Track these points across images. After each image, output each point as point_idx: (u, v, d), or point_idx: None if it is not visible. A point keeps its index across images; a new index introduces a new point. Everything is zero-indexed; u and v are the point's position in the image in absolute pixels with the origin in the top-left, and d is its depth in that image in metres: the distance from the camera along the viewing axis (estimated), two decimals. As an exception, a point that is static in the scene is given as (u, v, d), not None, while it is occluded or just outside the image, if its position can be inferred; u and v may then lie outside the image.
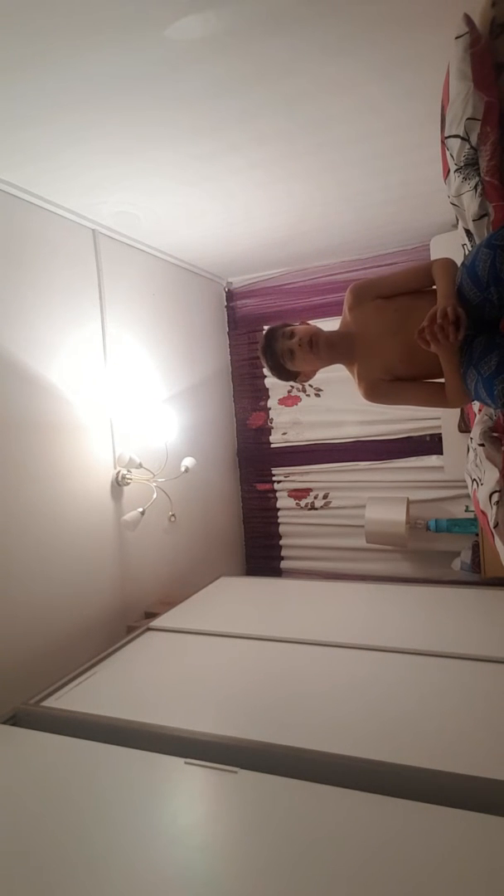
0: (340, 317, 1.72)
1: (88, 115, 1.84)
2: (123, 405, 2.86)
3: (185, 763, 1.40)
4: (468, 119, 1.40)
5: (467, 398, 1.55)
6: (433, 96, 1.66)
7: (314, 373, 1.74)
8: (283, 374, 1.72)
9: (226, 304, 3.98)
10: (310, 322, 1.73)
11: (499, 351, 1.37)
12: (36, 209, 2.41)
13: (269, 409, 3.95)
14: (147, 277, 3.15)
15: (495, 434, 1.78)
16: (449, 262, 1.52)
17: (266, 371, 1.73)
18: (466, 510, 3.32)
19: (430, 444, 3.46)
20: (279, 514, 3.96)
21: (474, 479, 1.82)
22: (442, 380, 1.57)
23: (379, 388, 1.65)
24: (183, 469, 3.04)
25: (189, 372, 3.50)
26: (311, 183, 2.50)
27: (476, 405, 1.93)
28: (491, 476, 1.66)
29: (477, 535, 3.16)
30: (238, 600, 2.74)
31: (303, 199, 2.66)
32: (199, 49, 1.58)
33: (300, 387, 3.83)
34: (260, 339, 1.72)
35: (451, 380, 1.52)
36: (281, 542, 3.97)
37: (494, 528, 1.64)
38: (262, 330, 3.84)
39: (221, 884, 1.08)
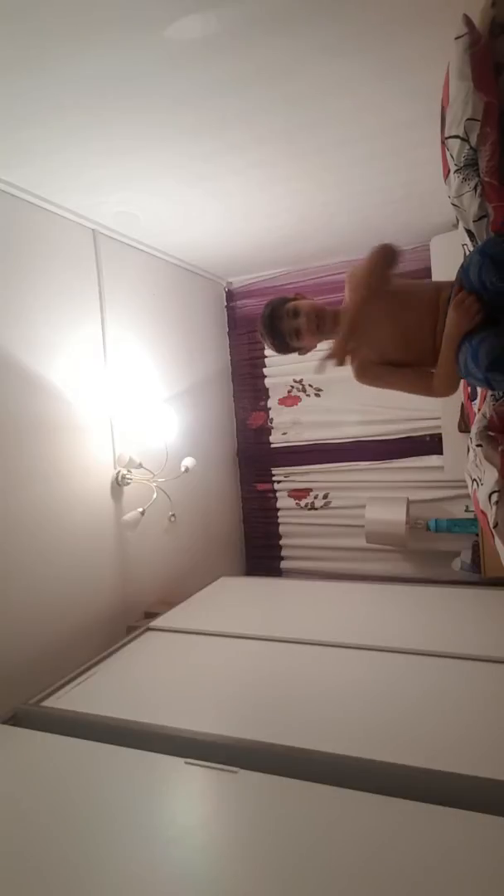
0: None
1: (88, 115, 1.84)
2: (123, 405, 2.86)
3: (185, 763, 1.40)
4: (468, 119, 1.40)
5: (454, 387, 1.55)
6: (433, 96, 1.66)
7: (316, 345, 1.73)
8: (287, 350, 1.72)
9: (226, 304, 3.98)
10: (306, 297, 1.73)
11: (494, 328, 1.38)
12: (36, 209, 2.41)
13: (269, 409, 3.95)
14: (147, 277, 3.15)
15: (491, 434, 1.78)
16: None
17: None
18: (466, 510, 3.32)
19: (430, 444, 3.46)
20: (279, 514, 3.96)
21: (474, 479, 1.81)
22: (431, 370, 1.59)
23: (368, 370, 1.67)
24: (183, 469, 3.04)
25: (189, 372, 3.50)
26: (311, 183, 2.50)
27: (476, 405, 1.93)
28: (490, 476, 1.66)
29: (477, 535, 3.16)
30: (238, 600, 2.74)
31: (303, 199, 2.66)
32: (199, 49, 1.58)
33: (300, 387, 3.83)
34: (261, 315, 1.69)
35: (445, 360, 1.51)
36: (281, 542, 3.97)
37: (494, 528, 1.64)
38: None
39: (221, 884, 1.08)
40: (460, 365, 1.49)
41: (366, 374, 1.68)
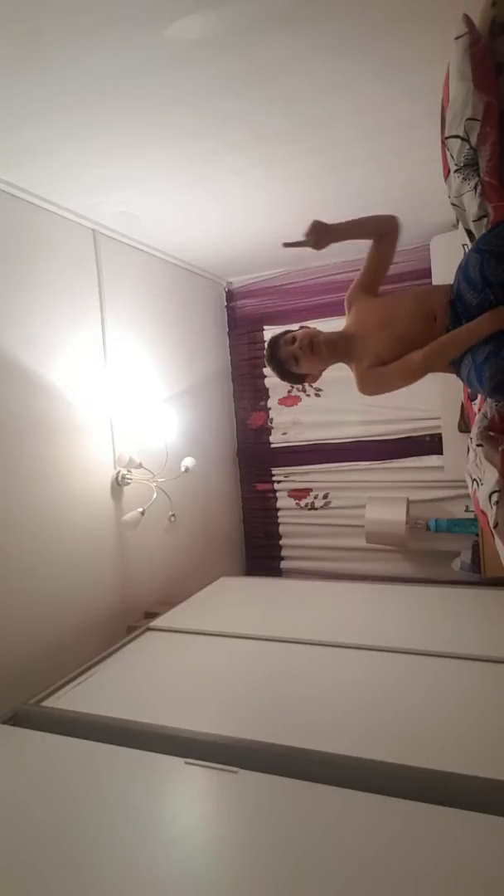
0: (341, 316, 1.76)
1: (88, 115, 1.84)
2: (123, 405, 2.86)
3: (185, 763, 1.40)
4: (468, 119, 1.40)
5: (440, 369, 1.55)
6: (433, 96, 1.66)
7: (320, 373, 1.80)
8: (291, 377, 1.79)
9: (226, 304, 3.98)
10: (309, 324, 1.78)
11: (494, 340, 1.38)
12: (36, 209, 2.41)
13: (269, 409, 3.95)
14: (147, 277, 3.15)
15: (492, 434, 1.78)
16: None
17: (273, 374, 1.82)
18: (466, 510, 3.32)
19: (430, 444, 3.46)
20: (279, 514, 3.96)
21: (474, 479, 1.81)
22: None
23: (368, 377, 1.68)
24: (183, 469, 3.04)
25: (189, 372, 3.50)
26: (311, 183, 2.50)
27: (476, 405, 1.94)
28: (490, 476, 1.66)
29: (477, 535, 3.16)
30: (238, 600, 2.74)
31: (303, 199, 2.66)
32: (199, 49, 1.58)
33: (300, 387, 3.83)
34: (265, 349, 1.78)
35: (449, 347, 1.48)
36: (281, 542, 3.97)
37: (494, 528, 1.64)
38: (263, 330, 3.87)
39: (221, 884, 1.08)
40: (462, 374, 1.49)
41: (366, 382, 1.68)
